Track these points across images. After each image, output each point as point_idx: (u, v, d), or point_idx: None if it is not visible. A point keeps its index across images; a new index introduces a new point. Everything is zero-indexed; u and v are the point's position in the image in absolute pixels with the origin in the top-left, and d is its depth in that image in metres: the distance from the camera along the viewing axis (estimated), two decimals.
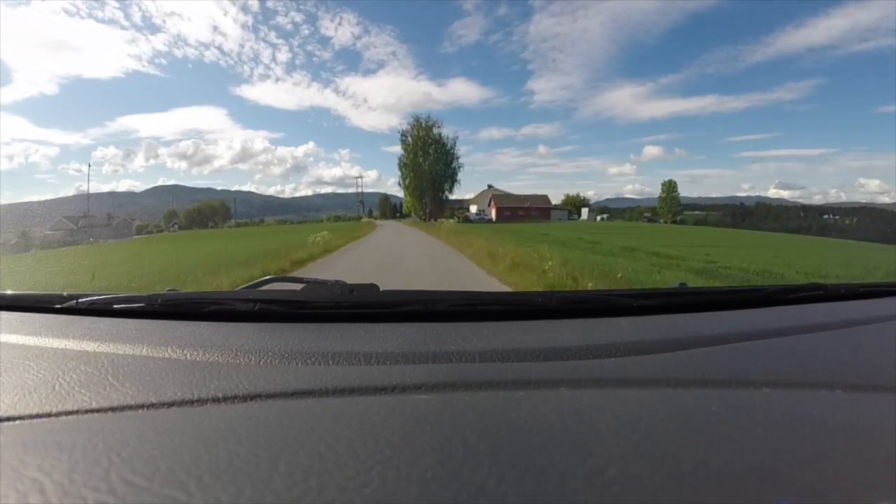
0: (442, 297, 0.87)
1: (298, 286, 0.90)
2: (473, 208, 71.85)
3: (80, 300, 0.87)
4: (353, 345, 0.64)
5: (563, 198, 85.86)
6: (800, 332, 0.72)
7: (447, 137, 55.50)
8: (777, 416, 0.43)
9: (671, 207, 73.23)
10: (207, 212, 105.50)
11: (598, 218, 71.79)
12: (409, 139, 54.31)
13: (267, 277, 1.07)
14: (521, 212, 64.30)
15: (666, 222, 65.77)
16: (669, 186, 74.68)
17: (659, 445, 0.36)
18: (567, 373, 0.54)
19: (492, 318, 0.79)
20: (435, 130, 54.50)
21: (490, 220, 56.78)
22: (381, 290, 0.86)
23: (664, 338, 0.66)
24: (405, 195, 56.08)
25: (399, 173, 54.74)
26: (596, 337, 0.66)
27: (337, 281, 0.89)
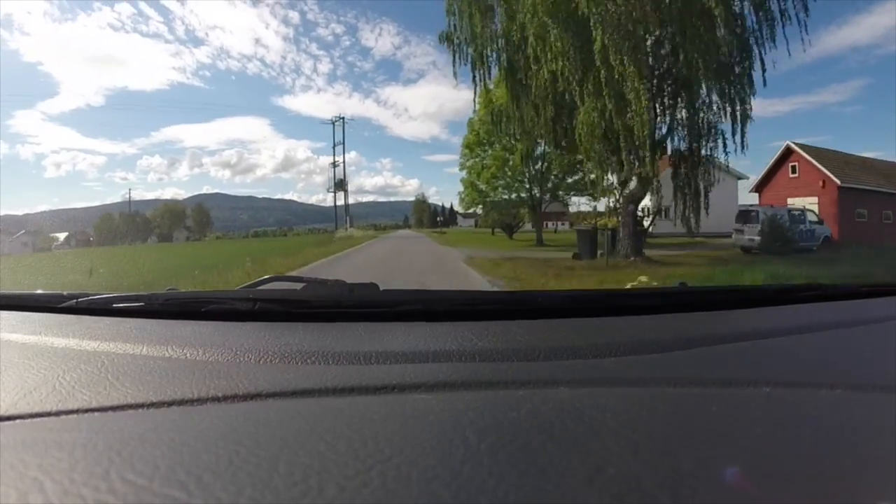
0: (442, 297, 0.87)
1: (298, 285, 0.90)
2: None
3: (80, 300, 0.88)
4: (353, 344, 0.64)
5: None
6: (800, 332, 0.72)
7: None
8: (777, 416, 0.43)
9: None
10: (164, 219, 72.51)
11: None
12: None
13: (267, 277, 1.07)
14: None
15: None
16: None
17: (659, 445, 0.36)
18: (567, 373, 0.54)
19: (492, 318, 0.79)
20: None
21: (828, 239, 13.81)
22: (381, 289, 0.86)
23: (664, 338, 0.66)
24: (472, 128, 19.34)
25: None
26: (596, 337, 0.66)
27: (337, 280, 0.89)
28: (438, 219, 59.01)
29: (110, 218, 65.68)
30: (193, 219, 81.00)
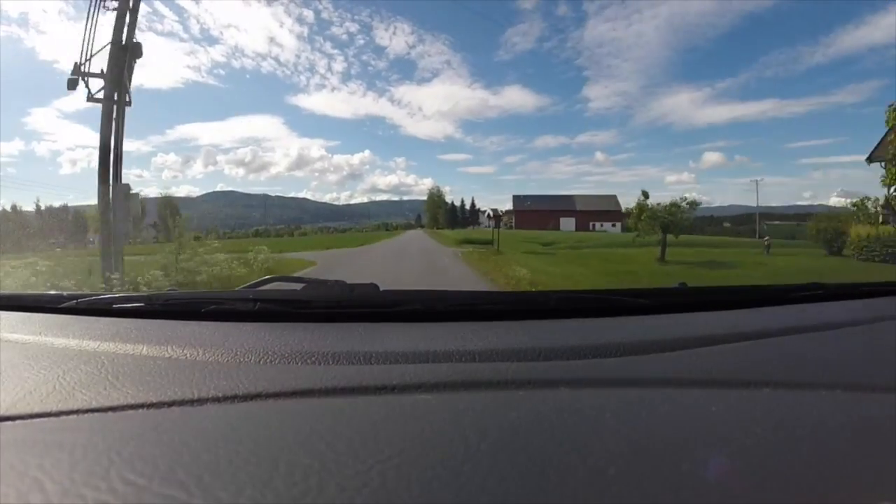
0: (442, 297, 0.87)
1: (298, 286, 0.90)
2: None
3: (80, 300, 0.88)
4: (354, 344, 0.64)
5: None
6: (800, 332, 0.72)
7: None
8: (777, 416, 0.43)
9: None
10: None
11: None
12: None
13: (267, 277, 1.07)
14: None
15: None
16: None
17: (659, 445, 0.36)
18: (567, 373, 0.54)
19: (492, 318, 0.79)
20: None
21: None
22: (381, 290, 0.86)
23: (664, 338, 0.66)
24: None
25: None
26: (596, 337, 0.66)
27: (337, 281, 0.89)
28: (489, 214, 31.16)
29: (16, 215, 35.72)
30: (160, 215, 65.59)
